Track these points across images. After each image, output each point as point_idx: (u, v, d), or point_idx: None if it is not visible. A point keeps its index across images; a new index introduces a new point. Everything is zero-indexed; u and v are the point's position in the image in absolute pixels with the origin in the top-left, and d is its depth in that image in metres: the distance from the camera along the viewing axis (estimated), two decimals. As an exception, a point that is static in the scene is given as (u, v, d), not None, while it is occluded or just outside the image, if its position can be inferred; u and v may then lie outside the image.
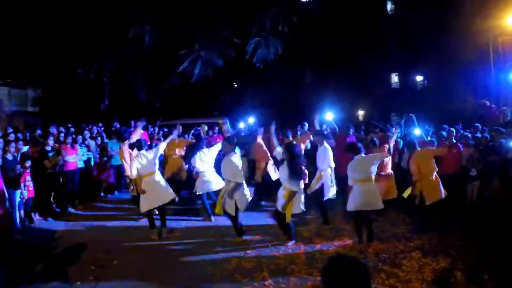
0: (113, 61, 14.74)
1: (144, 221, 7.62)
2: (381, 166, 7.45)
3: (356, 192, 6.36)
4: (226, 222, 7.15)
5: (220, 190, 7.27)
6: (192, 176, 8.26)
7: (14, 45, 18.21)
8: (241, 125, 11.99)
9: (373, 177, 6.40)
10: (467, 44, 20.09)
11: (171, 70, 14.58)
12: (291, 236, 6.49)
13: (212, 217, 7.88)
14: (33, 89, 22.97)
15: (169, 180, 7.85)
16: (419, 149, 7.16)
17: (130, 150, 7.06)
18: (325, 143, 7.58)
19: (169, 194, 7.13)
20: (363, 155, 6.45)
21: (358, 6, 21.60)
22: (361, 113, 27.30)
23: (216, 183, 7.89)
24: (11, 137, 9.12)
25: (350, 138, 8.79)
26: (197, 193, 8.00)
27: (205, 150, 8.01)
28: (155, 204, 6.99)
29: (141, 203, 6.95)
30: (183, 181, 9.30)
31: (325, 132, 8.12)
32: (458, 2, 20.25)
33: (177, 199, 8.64)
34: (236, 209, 6.56)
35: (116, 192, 10.42)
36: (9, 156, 7.38)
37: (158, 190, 6.97)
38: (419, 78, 27.83)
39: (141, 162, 6.83)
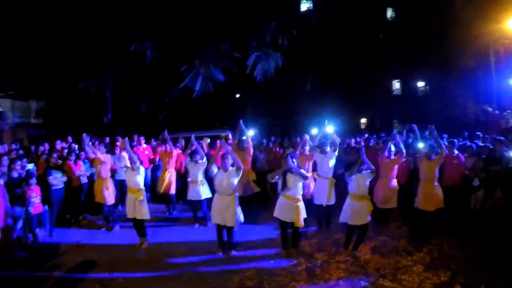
0: (115, 75, 14.89)
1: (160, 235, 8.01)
2: (382, 174, 7.68)
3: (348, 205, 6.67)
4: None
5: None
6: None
7: (17, 58, 18.41)
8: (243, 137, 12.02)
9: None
10: (467, 49, 20.15)
11: (173, 84, 14.71)
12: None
13: (209, 223, 7.99)
14: (36, 101, 23.18)
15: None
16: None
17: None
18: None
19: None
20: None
21: (358, 13, 21.67)
22: (363, 121, 27.30)
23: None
24: (14, 154, 9.20)
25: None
26: (201, 199, 8.28)
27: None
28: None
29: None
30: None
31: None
32: (458, 7, 20.30)
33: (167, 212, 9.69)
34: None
35: (119, 206, 10.43)
36: (14, 174, 7.45)
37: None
38: (420, 84, 27.88)
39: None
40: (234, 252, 6.88)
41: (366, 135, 12.15)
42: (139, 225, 7.46)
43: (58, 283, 6.12)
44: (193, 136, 9.19)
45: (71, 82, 16.98)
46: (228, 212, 6.67)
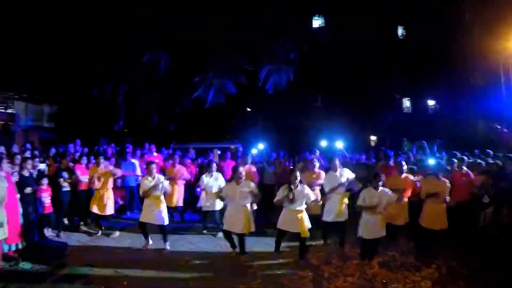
0: (127, 83, 15.14)
1: (155, 242, 7.93)
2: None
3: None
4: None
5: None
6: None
7: (32, 61, 18.70)
8: (253, 150, 12.18)
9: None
10: (478, 67, 20.13)
11: (184, 95, 14.86)
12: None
13: (220, 233, 8.09)
14: (49, 105, 23.45)
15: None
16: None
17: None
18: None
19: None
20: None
21: (369, 31, 21.81)
22: (373, 138, 27.24)
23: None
24: (28, 154, 9.33)
25: None
26: (215, 209, 8.38)
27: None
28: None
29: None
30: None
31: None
32: (468, 25, 20.34)
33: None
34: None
35: (128, 212, 10.52)
36: (26, 173, 7.54)
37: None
38: (431, 102, 27.83)
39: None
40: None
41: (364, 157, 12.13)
42: (163, 231, 7.76)
43: (63, 283, 6.14)
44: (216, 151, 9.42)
45: (85, 88, 17.21)
46: (241, 221, 6.99)
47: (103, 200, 8.56)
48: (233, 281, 6.11)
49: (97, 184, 8.61)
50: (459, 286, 5.85)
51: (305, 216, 6.84)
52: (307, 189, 6.89)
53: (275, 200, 6.98)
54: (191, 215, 10.46)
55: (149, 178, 7.63)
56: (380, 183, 6.68)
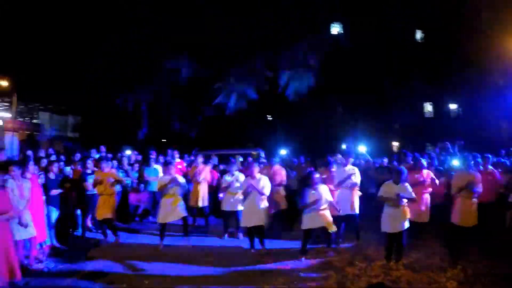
0: (150, 92, 15.41)
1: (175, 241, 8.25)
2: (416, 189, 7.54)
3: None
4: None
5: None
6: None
7: (57, 73, 19.25)
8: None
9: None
10: (497, 67, 19.77)
11: (206, 102, 15.02)
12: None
13: (241, 234, 8.56)
14: (73, 116, 24.08)
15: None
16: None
17: None
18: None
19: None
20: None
21: (388, 35, 21.70)
22: (395, 144, 26.91)
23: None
24: (54, 157, 9.59)
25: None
26: (237, 209, 8.58)
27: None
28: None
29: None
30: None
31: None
32: (485, 25, 20.00)
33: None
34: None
35: (150, 217, 10.67)
36: (52, 176, 7.79)
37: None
38: (453, 106, 27.39)
39: None
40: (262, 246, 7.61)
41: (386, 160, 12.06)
42: (184, 224, 8.23)
43: (87, 278, 6.35)
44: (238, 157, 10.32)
45: (108, 98, 17.56)
46: (257, 215, 7.47)
47: (106, 206, 8.39)
48: (257, 280, 6.16)
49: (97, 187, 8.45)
50: (485, 285, 5.71)
51: (327, 212, 7.18)
52: (325, 189, 7.27)
53: (303, 204, 7.16)
54: (215, 220, 10.53)
55: (166, 177, 8.01)
56: (402, 178, 6.75)
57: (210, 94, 12.79)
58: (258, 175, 7.65)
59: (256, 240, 7.70)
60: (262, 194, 7.61)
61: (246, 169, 9.69)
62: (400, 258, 6.75)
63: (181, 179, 8.21)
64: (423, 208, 7.84)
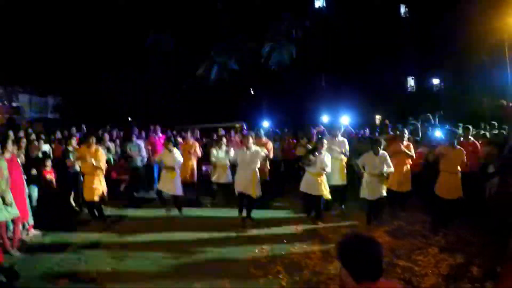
0: (131, 67, 15.13)
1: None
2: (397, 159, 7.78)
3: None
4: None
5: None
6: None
7: (34, 54, 18.76)
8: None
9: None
10: (482, 44, 19.90)
11: (188, 75, 14.81)
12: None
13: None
14: (53, 97, 23.60)
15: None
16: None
17: None
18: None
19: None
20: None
21: (371, 10, 21.58)
22: (377, 117, 27.12)
23: None
24: (33, 137, 9.37)
25: None
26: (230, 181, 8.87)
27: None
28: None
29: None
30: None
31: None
32: (471, 2, 20.04)
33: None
34: None
35: (134, 192, 10.58)
36: (32, 155, 7.57)
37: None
38: (435, 81, 27.60)
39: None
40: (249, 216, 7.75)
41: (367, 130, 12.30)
42: (177, 201, 8.43)
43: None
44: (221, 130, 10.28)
45: (88, 77, 17.19)
46: (250, 184, 7.56)
47: (92, 186, 7.79)
48: (242, 249, 6.26)
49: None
50: (467, 253, 5.82)
51: (324, 180, 7.52)
52: (327, 158, 7.49)
53: (301, 163, 7.82)
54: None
55: (168, 152, 8.26)
56: (380, 148, 7.11)
57: (192, 68, 12.59)
58: (253, 147, 7.73)
59: (245, 209, 7.86)
60: (256, 164, 7.71)
61: (230, 141, 9.79)
62: (379, 221, 7.21)
63: (179, 155, 8.37)
64: (404, 177, 7.93)
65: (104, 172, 8.07)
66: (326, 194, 7.51)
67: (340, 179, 8.29)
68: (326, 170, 7.45)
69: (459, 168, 7.18)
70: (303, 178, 7.67)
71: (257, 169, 7.69)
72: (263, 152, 7.81)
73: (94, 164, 7.61)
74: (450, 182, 7.17)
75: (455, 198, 7.10)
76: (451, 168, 7.17)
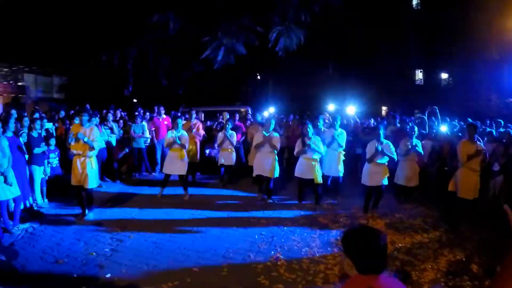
0: (136, 47, 14.96)
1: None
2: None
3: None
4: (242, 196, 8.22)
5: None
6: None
7: (40, 33, 18.66)
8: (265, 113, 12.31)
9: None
10: (492, 41, 19.70)
11: (194, 57, 14.68)
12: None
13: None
14: (58, 76, 23.55)
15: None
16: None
17: None
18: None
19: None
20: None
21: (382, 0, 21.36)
22: (384, 108, 26.99)
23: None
24: (36, 115, 9.29)
25: None
26: (233, 163, 9.53)
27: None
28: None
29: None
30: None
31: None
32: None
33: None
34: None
35: (136, 174, 10.59)
36: (34, 134, 7.47)
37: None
38: (444, 75, 27.36)
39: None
40: (270, 201, 8.16)
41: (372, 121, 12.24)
42: (183, 180, 8.47)
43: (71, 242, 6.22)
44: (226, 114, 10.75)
45: (93, 56, 17.08)
46: (268, 166, 7.92)
47: (82, 170, 6.81)
48: (241, 234, 6.29)
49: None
50: (467, 249, 5.79)
51: (318, 166, 7.70)
52: (318, 141, 7.69)
53: (295, 152, 7.81)
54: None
55: (174, 132, 8.25)
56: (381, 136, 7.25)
57: (199, 49, 12.43)
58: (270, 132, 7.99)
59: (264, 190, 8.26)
60: (276, 149, 8.00)
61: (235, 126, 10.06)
62: (375, 207, 7.43)
63: (186, 136, 8.40)
64: (413, 173, 7.92)
65: (97, 152, 7.03)
66: (319, 178, 7.64)
67: (336, 170, 8.38)
68: (321, 152, 7.68)
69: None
70: (297, 164, 7.88)
71: (275, 152, 7.99)
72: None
73: (85, 140, 6.59)
74: (470, 182, 6.78)
75: (471, 199, 6.76)
76: (472, 166, 6.79)
